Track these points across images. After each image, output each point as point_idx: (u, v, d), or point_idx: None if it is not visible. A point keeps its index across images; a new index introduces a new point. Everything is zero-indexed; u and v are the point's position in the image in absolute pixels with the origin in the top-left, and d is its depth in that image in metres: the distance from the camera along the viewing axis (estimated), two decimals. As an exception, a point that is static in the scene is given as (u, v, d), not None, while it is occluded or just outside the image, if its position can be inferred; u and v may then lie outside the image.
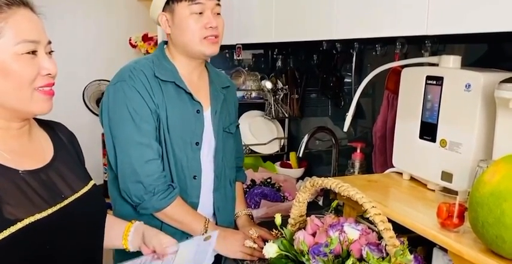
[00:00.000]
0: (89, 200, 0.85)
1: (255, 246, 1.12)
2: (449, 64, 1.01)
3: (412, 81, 1.08)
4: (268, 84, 1.93)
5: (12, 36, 0.73)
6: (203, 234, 1.15)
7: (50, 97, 0.79)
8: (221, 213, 1.27)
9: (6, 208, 0.70)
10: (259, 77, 2.01)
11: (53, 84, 0.79)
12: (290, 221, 1.06)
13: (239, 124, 1.41)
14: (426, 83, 1.03)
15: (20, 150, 0.79)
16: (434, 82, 1.01)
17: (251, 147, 1.96)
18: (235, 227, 1.33)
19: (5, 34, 0.72)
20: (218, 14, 1.20)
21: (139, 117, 1.13)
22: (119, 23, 2.89)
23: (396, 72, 1.23)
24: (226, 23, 1.24)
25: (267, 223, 1.32)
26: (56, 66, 0.79)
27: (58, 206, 0.78)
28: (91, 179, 0.90)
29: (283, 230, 1.02)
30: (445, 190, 1.02)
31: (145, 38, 2.82)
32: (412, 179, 1.13)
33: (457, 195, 0.93)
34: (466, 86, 0.93)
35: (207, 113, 1.24)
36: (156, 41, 2.65)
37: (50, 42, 0.80)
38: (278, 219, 1.02)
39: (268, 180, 1.72)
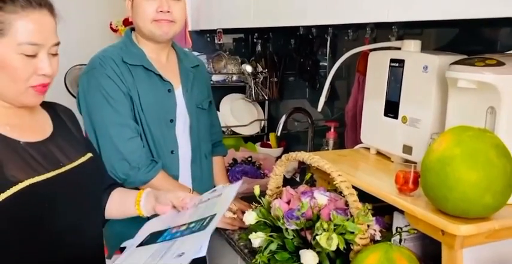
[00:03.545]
0: (85, 169, 0.93)
1: (235, 216, 1.24)
2: (411, 48, 1.11)
3: (377, 64, 1.18)
4: (248, 68, 2.01)
5: (17, 36, 0.78)
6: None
7: (43, 93, 0.85)
8: (196, 183, 1.37)
9: (7, 171, 0.78)
10: (240, 61, 2.09)
11: (48, 83, 0.85)
12: (268, 192, 1.16)
13: (212, 100, 1.49)
14: (390, 65, 1.13)
15: (21, 125, 0.87)
16: (397, 64, 1.11)
17: (233, 129, 2.05)
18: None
19: (12, 33, 0.77)
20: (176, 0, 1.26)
21: (113, 100, 1.22)
22: (100, 8, 2.90)
23: (366, 56, 1.33)
24: (207, 8, 1.30)
25: (248, 198, 1.42)
26: (55, 69, 0.84)
27: (56, 171, 0.85)
28: (89, 152, 0.97)
29: (261, 200, 1.12)
30: (407, 162, 1.13)
31: (126, 23, 2.83)
32: (379, 153, 1.24)
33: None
34: (423, 68, 1.03)
35: (179, 92, 1.33)
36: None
37: (57, 44, 0.84)
38: (257, 190, 1.11)
39: (249, 159, 1.82)
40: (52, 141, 0.90)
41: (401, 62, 1.09)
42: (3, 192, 0.77)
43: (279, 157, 2.04)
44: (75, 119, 1.02)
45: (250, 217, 1.08)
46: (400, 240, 0.98)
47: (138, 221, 1.26)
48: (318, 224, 0.91)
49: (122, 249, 1.28)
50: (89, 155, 0.96)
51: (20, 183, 0.79)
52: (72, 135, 0.97)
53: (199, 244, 0.78)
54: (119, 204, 1.05)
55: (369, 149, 1.27)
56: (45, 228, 0.83)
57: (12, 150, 0.81)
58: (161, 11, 1.23)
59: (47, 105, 0.96)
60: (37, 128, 0.90)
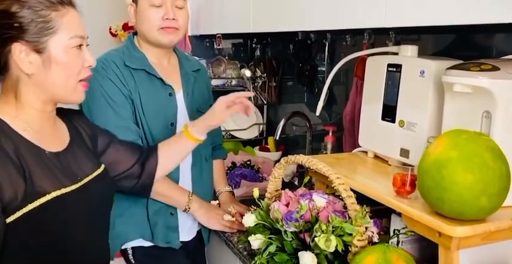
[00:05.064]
0: (101, 181, 0.94)
1: (233, 219, 1.25)
2: (408, 53, 1.13)
3: (375, 69, 1.20)
4: (247, 73, 2.03)
5: (66, 31, 0.83)
6: (188, 207, 1.27)
7: (86, 89, 0.90)
8: (197, 186, 1.38)
9: (36, 182, 0.78)
10: (239, 65, 2.11)
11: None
12: (267, 195, 1.18)
13: (212, 104, 1.50)
14: (387, 70, 1.15)
15: (48, 133, 0.87)
16: (394, 69, 1.13)
17: (232, 133, 2.06)
18: (218, 203, 1.44)
19: (62, 29, 0.83)
20: (180, 7, 1.28)
21: (115, 103, 1.23)
22: (99, 12, 2.91)
23: (364, 61, 1.35)
24: (206, 13, 1.32)
25: (247, 201, 1.43)
26: None
27: (79, 184, 0.86)
28: (101, 163, 0.98)
29: (260, 202, 1.13)
30: (405, 165, 1.15)
31: (126, 27, 2.85)
32: (376, 156, 1.25)
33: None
34: (420, 73, 1.05)
35: (180, 96, 1.34)
36: (137, 30, 2.70)
37: (87, 37, 0.90)
38: (256, 193, 1.12)
39: (248, 162, 1.83)
40: (70, 152, 0.89)
41: (398, 66, 1.11)
42: (30, 203, 0.77)
43: (278, 161, 2.06)
44: (91, 129, 1.01)
45: (249, 219, 1.09)
46: (398, 243, 1.00)
47: (139, 223, 1.27)
48: (316, 226, 0.92)
49: (123, 251, 1.29)
50: (103, 166, 0.97)
51: (47, 195, 0.79)
52: (87, 147, 0.97)
53: None
54: (173, 150, 1.15)
55: (366, 152, 1.28)
56: (64, 239, 0.83)
57: (39, 158, 0.81)
58: (167, 19, 1.25)
59: (63, 114, 0.96)
60: (58, 136, 0.90)
